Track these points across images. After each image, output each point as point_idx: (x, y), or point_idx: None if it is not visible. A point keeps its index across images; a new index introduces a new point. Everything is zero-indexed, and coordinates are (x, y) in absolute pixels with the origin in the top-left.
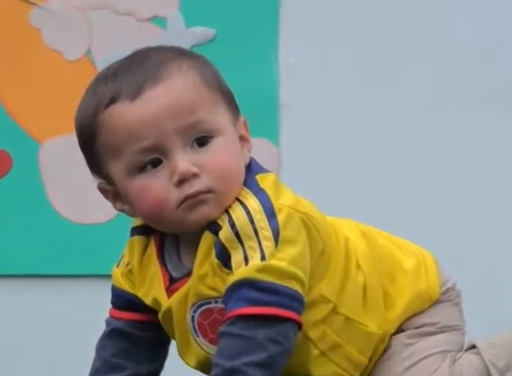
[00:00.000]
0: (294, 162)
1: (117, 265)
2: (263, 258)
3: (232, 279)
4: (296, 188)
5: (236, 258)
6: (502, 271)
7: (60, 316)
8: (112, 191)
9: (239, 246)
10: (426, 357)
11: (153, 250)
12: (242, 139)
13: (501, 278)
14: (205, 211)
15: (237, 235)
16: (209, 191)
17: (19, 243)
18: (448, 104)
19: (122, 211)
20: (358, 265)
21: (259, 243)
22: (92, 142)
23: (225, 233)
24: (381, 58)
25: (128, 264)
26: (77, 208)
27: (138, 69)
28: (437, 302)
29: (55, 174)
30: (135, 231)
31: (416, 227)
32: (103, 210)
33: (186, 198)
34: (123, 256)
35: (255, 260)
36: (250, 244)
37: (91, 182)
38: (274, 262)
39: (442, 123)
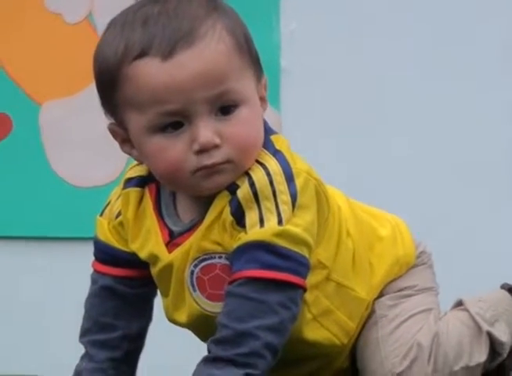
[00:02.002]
0: (295, 128)
1: (101, 214)
2: (280, 221)
3: (246, 238)
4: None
5: (252, 217)
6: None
7: (59, 278)
8: (122, 135)
9: (256, 206)
10: (411, 316)
11: (148, 202)
12: (261, 99)
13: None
14: (220, 180)
15: (255, 194)
16: (227, 162)
17: (19, 205)
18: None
19: (129, 154)
20: (348, 232)
21: (276, 206)
22: (112, 90)
23: (243, 191)
24: (383, 23)
25: (118, 215)
26: (77, 171)
27: (170, 22)
28: (413, 266)
29: (56, 136)
30: (130, 183)
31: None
32: (103, 173)
33: (203, 168)
34: (108, 204)
35: (272, 223)
36: (267, 205)
37: (91, 144)
38: (290, 228)
39: (441, 91)
